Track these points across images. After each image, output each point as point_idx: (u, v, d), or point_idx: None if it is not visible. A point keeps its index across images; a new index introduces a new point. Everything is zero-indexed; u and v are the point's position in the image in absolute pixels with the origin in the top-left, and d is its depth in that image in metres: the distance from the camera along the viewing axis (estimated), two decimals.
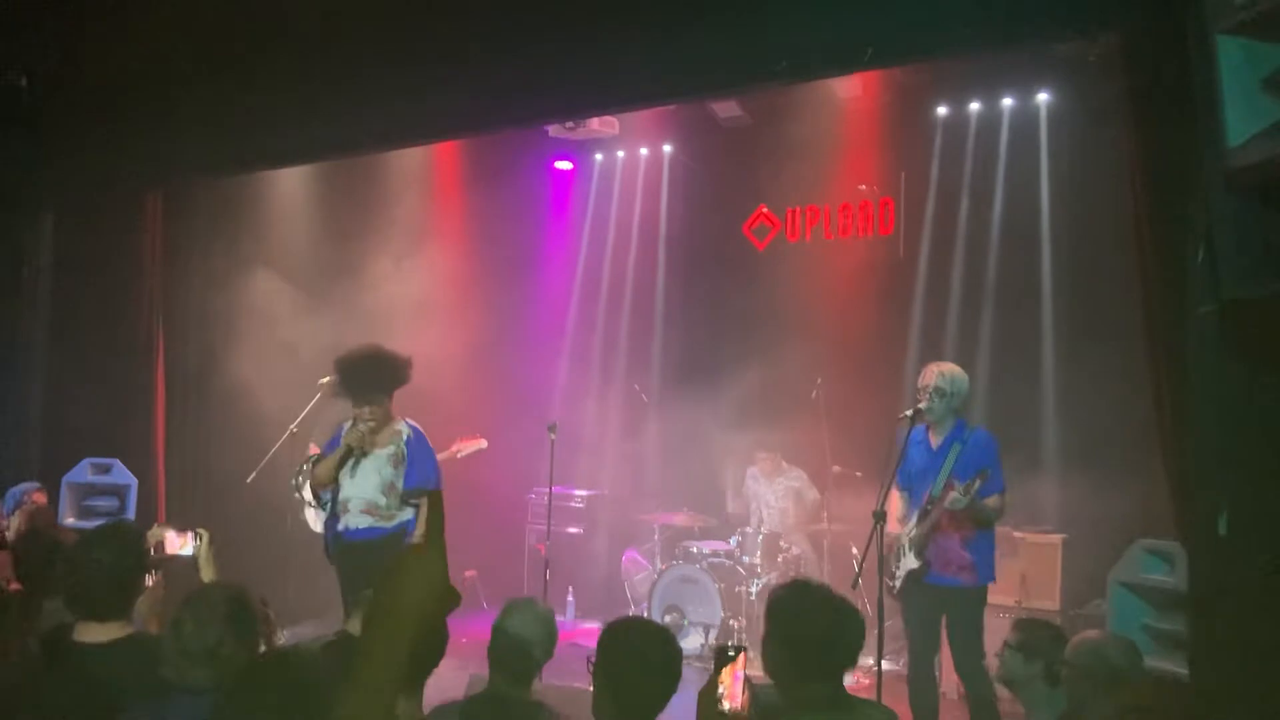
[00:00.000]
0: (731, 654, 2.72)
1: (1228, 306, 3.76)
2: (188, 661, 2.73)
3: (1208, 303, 3.88)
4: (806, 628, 2.96)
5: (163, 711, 2.70)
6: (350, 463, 5.67)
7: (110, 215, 7.66)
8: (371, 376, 5.70)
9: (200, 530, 3.92)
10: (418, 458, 5.77)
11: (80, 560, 3.13)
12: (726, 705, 2.67)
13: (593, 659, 2.97)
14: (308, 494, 8.09)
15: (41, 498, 6.31)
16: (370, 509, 5.69)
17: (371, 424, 5.66)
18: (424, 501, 5.58)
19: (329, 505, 5.86)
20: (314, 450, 8.03)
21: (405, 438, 5.78)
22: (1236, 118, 3.52)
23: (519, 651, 3.26)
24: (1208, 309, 3.88)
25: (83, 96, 7.24)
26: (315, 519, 8.07)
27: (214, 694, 2.61)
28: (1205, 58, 3.60)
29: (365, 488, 5.70)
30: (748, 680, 2.71)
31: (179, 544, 3.99)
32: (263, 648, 3.09)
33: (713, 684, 2.68)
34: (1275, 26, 3.44)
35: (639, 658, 2.90)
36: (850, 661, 3.05)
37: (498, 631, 3.31)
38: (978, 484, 4.97)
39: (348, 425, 5.75)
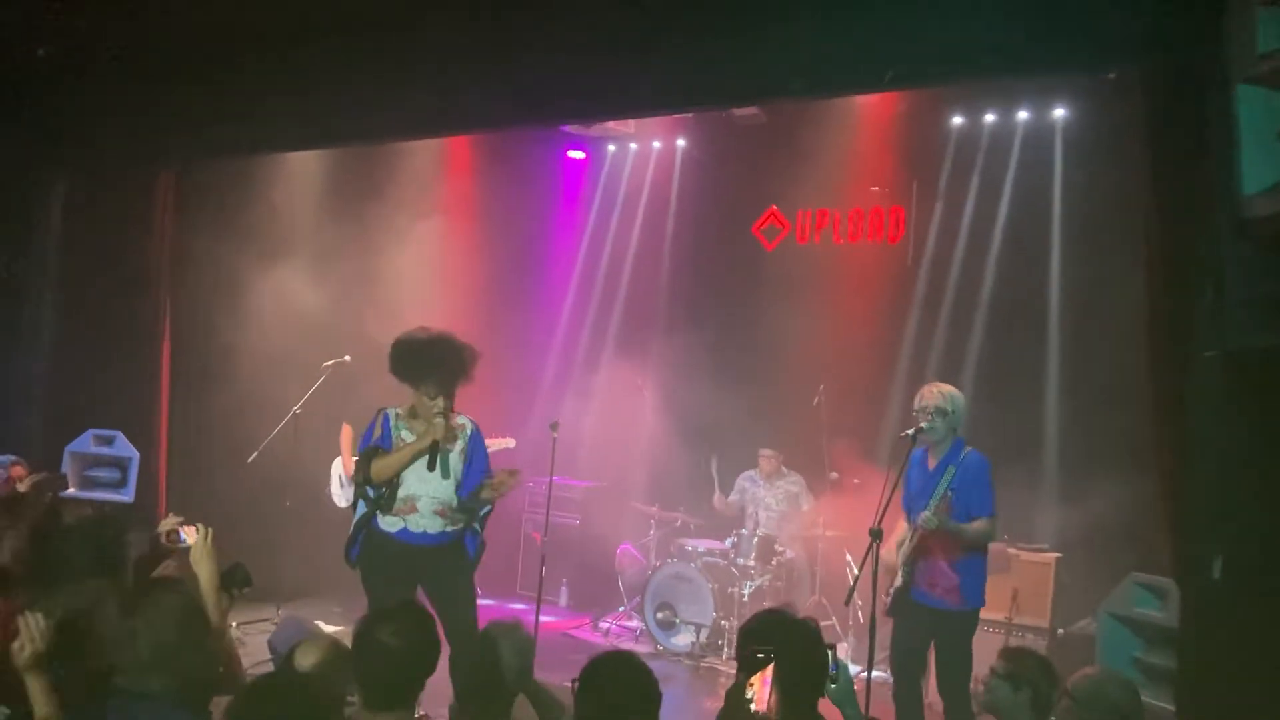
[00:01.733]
0: (761, 657, 2.74)
1: (1232, 353, 3.78)
2: (143, 669, 2.76)
3: (1212, 347, 3.90)
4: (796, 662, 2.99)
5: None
6: (423, 460, 5.12)
7: (121, 191, 7.67)
8: (450, 365, 5.13)
9: (200, 525, 3.88)
10: (478, 454, 5.32)
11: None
12: (754, 709, 2.69)
13: (576, 684, 2.97)
14: (337, 468, 8.12)
15: (20, 470, 6.14)
16: (444, 509, 5.19)
17: (439, 419, 5.10)
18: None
19: (376, 501, 5.23)
20: (347, 431, 8.03)
21: (469, 432, 5.34)
22: (1253, 166, 3.54)
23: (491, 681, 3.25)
24: (1212, 354, 3.90)
25: (98, 73, 7.23)
26: (341, 495, 8.06)
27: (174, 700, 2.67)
28: (1224, 105, 3.62)
29: (440, 486, 5.17)
30: (777, 684, 2.74)
31: (187, 536, 3.99)
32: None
33: (741, 686, 2.69)
34: None
35: (619, 709, 2.86)
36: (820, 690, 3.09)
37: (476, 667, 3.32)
38: (945, 504, 5.01)
39: (394, 412, 5.29)
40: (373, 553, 5.24)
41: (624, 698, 2.84)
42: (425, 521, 5.17)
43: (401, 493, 5.18)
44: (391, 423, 5.27)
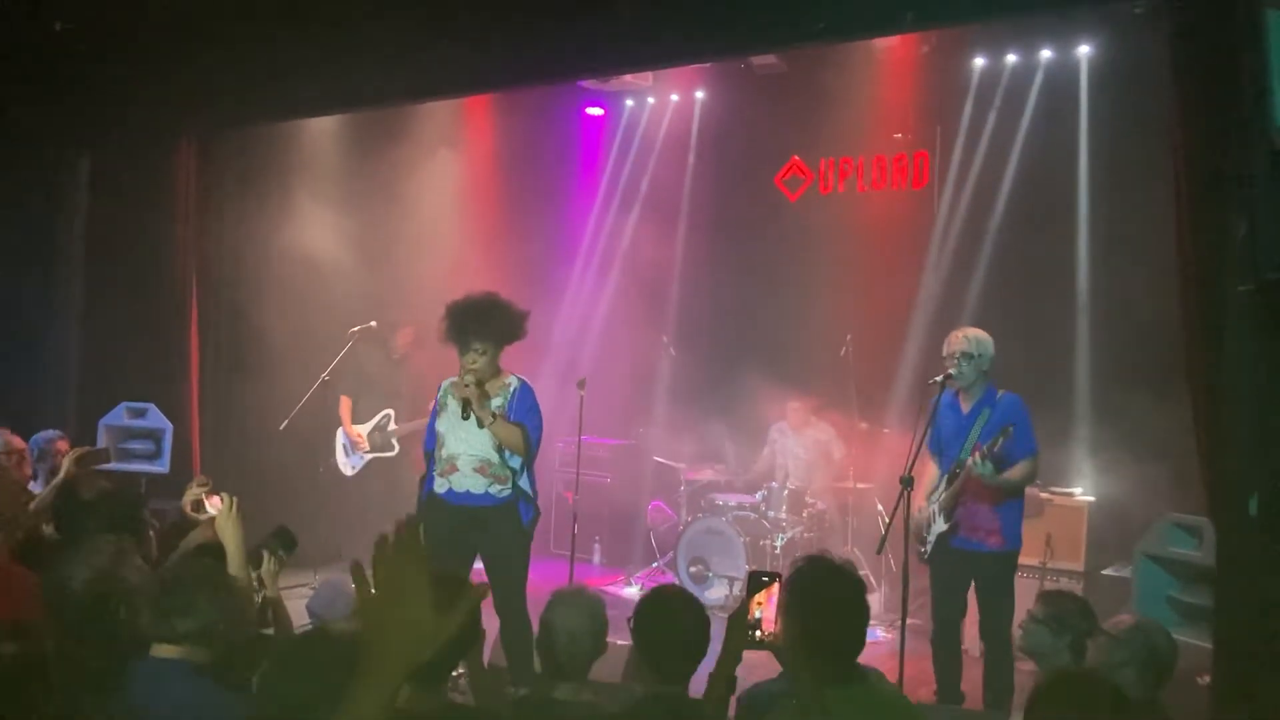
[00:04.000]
0: (766, 580, 2.69)
1: (1266, 286, 3.71)
2: (166, 633, 2.81)
3: (1247, 281, 3.83)
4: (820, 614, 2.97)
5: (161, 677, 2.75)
6: (458, 415, 5.14)
7: (145, 161, 7.67)
8: (479, 322, 5.14)
9: (225, 494, 3.89)
10: (520, 412, 5.23)
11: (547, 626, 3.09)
12: (759, 634, 2.65)
13: (631, 621, 3.02)
14: (340, 438, 8.27)
15: (65, 445, 6.23)
16: (483, 467, 5.20)
17: (475, 372, 5.10)
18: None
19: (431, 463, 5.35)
20: (345, 403, 8.19)
21: (512, 390, 5.29)
22: None
23: (569, 646, 3.20)
24: (1246, 288, 3.83)
25: (118, 42, 7.22)
26: (347, 464, 8.25)
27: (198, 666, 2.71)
28: (1255, 33, 3.54)
29: (476, 442, 5.18)
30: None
31: (212, 507, 4.02)
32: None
33: (744, 610, 2.65)
34: None
35: (675, 629, 2.92)
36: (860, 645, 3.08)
37: (544, 626, 3.24)
38: (1000, 441, 4.98)
39: (448, 382, 5.36)
40: (427, 514, 5.28)
41: (678, 627, 2.91)
42: (468, 481, 5.22)
43: (443, 453, 5.26)
44: (442, 392, 5.35)
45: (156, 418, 7.46)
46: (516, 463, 5.27)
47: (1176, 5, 4.46)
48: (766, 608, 2.65)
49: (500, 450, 5.19)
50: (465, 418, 5.09)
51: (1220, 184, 4.07)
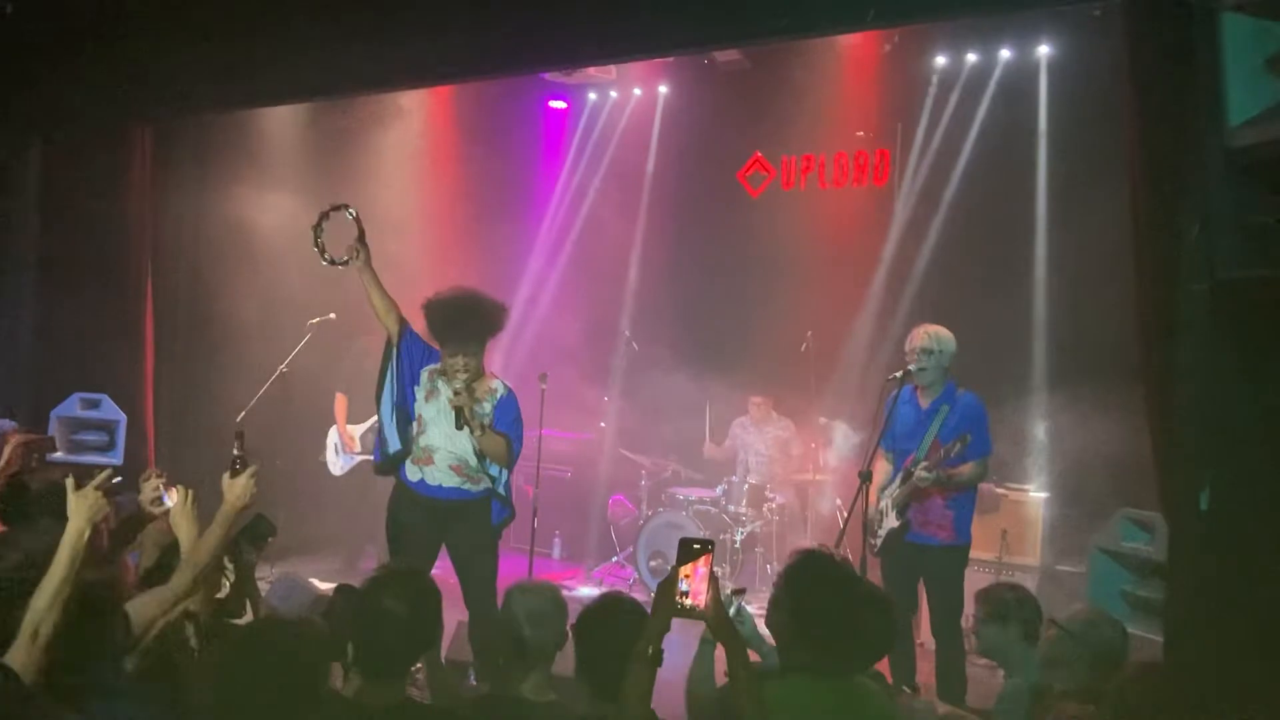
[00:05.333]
0: (697, 548, 2.63)
1: (1219, 286, 3.76)
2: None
3: (1200, 279, 3.88)
4: (821, 611, 2.94)
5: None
6: (444, 409, 5.08)
7: (98, 146, 7.54)
8: (461, 322, 5.08)
9: (180, 487, 3.83)
10: (503, 420, 5.16)
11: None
12: (688, 602, 2.58)
13: (572, 627, 3.00)
14: (333, 437, 8.15)
15: (15, 435, 6.13)
16: (460, 467, 5.17)
17: (465, 376, 5.06)
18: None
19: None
20: (341, 401, 8.06)
21: (498, 396, 5.21)
22: (1239, 96, 3.50)
23: (533, 632, 3.18)
24: (1200, 286, 3.88)
25: (71, 26, 7.09)
26: (335, 464, 8.12)
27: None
28: (1209, 33, 3.57)
29: (458, 441, 5.13)
30: (714, 578, 2.64)
31: (170, 498, 3.98)
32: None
33: (673, 578, 2.59)
34: None
35: (619, 640, 2.82)
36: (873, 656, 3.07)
37: (505, 616, 3.22)
38: (957, 447, 5.03)
39: (426, 372, 5.24)
40: (396, 499, 5.28)
41: (620, 637, 2.82)
42: (440, 475, 5.18)
43: (423, 441, 5.19)
44: (428, 375, 5.23)
45: (110, 409, 7.35)
46: (495, 469, 5.24)
47: (1133, 8, 4.52)
48: (694, 579, 2.59)
49: (480, 455, 5.15)
50: (459, 428, 5.04)
51: (1175, 184, 4.12)
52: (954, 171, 8.22)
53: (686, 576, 2.56)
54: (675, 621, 2.67)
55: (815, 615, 2.92)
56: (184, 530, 3.57)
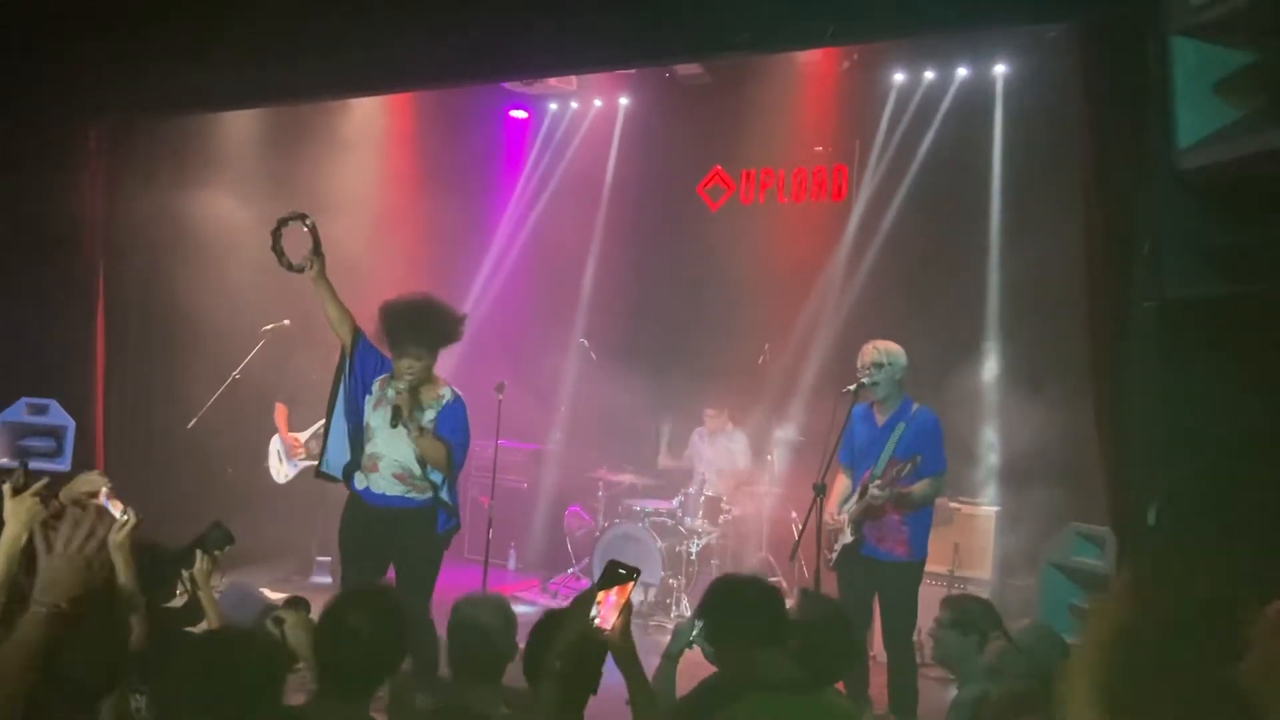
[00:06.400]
0: (623, 573, 2.57)
1: (1169, 304, 3.82)
2: None
3: (1150, 298, 3.94)
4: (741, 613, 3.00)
5: None
6: (389, 416, 5.05)
7: (48, 148, 7.42)
8: (414, 327, 5.07)
9: (130, 512, 3.65)
10: (447, 426, 5.16)
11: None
12: (596, 624, 2.51)
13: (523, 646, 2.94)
14: (275, 444, 8.06)
15: None
16: (403, 475, 5.14)
17: (410, 379, 5.02)
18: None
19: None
20: (280, 410, 7.98)
21: (444, 403, 5.19)
22: (1188, 119, 3.56)
23: (483, 644, 3.15)
24: (1150, 304, 3.94)
25: (17, 25, 6.97)
26: (279, 472, 8.02)
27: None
28: (1160, 57, 3.64)
29: (400, 448, 5.10)
30: (629, 607, 2.59)
31: (114, 508, 3.84)
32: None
33: (590, 595, 2.53)
34: (1230, 29, 3.47)
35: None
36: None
37: (455, 628, 3.18)
38: (909, 467, 5.08)
39: (378, 382, 5.21)
40: (346, 507, 5.27)
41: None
42: (385, 484, 5.16)
43: (369, 449, 5.16)
44: (378, 385, 5.19)
45: (58, 414, 7.22)
46: (438, 477, 5.20)
47: (1087, 30, 4.60)
48: (605, 605, 2.53)
49: (423, 462, 5.12)
50: (394, 425, 5.02)
51: (1126, 204, 4.19)
52: (909, 187, 8.28)
53: (599, 603, 2.51)
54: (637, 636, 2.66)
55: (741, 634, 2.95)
56: (119, 559, 3.32)
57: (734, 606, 3.03)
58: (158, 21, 6.62)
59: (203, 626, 3.63)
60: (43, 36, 6.97)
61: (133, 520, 3.47)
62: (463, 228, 9.81)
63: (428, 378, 5.16)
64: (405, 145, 9.49)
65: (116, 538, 3.34)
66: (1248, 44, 3.39)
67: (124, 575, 3.32)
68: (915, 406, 5.41)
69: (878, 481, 5.14)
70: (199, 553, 3.75)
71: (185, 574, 3.72)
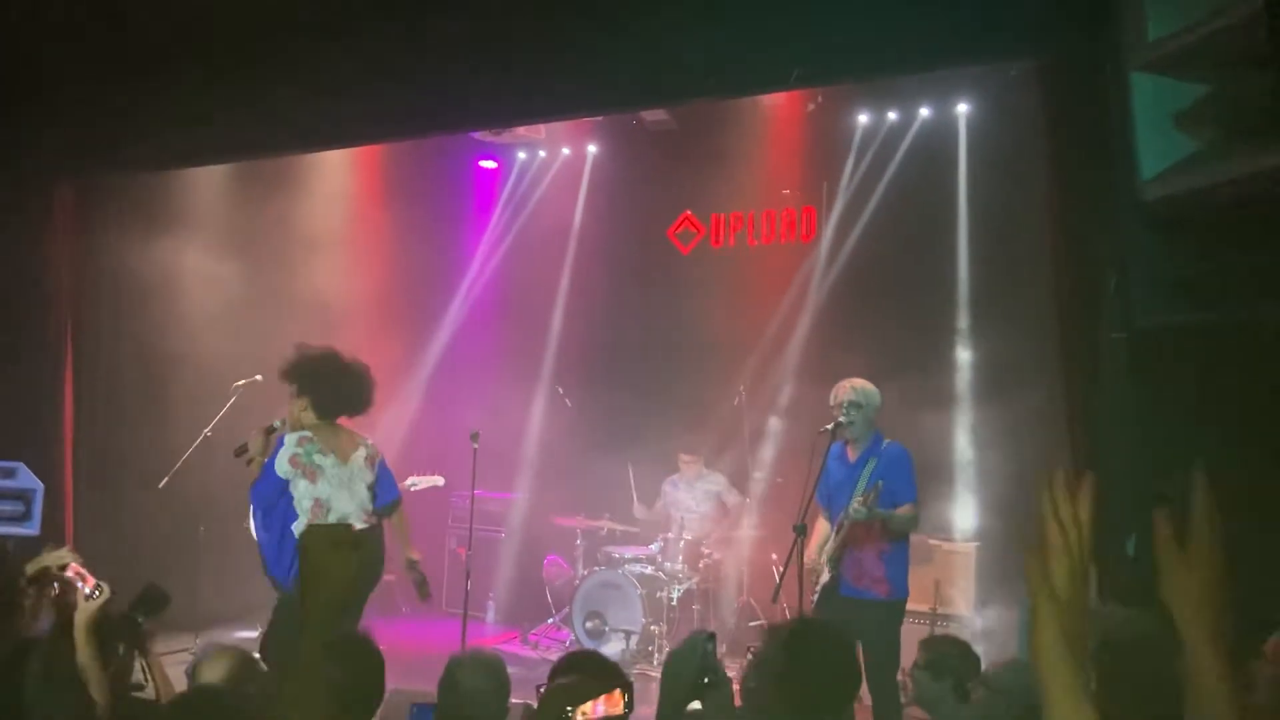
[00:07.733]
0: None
1: (1138, 334, 3.87)
2: None
3: (1119, 329, 3.99)
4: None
5: None
6: (336, 475, 5.12)
7: (16, 206, 7.37)
8: (348, 393, 5.24)
9: (102, 586, 3.48)
10: (384, 469, 5.42)
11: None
12: None
13: (542, 686, 2.90)
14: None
15: None
16: (368, 516, 5.26)
17: (288, 419, 5.23)
18: (399, 512, 5.51)
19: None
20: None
21: (370, 444, 5.39)
22: (1149, 152, 3.62)
23: (475, 710, 3.09)
24: (1119, 335, 3.99)
25: None
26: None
27: None
28: (1120, 93, 3.70)
29: (360, 496, 5.22)
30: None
31: (81, 583, 3.70)
32: None
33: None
34: (1186, 64, 3.54)
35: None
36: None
37: (446, 690, 3.11)
38: (873, 495, 5.08)
39: (299, 440, 5.12)
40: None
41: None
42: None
43: (331, 514, 5.09)
44: (304, 453, 5.08)
45: (27, 478, 7.11)
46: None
47: (1048, 68, 4.68)
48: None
49: (371, 500, 5.28)
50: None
51: (1092, 236, 4.25)
52: (876, 226, 8.35)
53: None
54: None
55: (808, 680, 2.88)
56: (82, 637, 3.23)
57: None
58: (125, 77, 6.63)
59: (149, 693, 3.53)
60: (11, 98, 6.96)
61: (105, 594, 3.40)
62: (433, 276, 9.83)
63: (297, 425, 5.21)
64: (375, 196, 9.51)
65: (81, 618, 3.28)
66: (1203, 77, 3.46)
67: (83, 655, 3.21)
68: (885, 442, 5.43)
69: (859, 499, 5.12)
70: (138, 619, 3.62)
71: (121, 647, 3.57)
